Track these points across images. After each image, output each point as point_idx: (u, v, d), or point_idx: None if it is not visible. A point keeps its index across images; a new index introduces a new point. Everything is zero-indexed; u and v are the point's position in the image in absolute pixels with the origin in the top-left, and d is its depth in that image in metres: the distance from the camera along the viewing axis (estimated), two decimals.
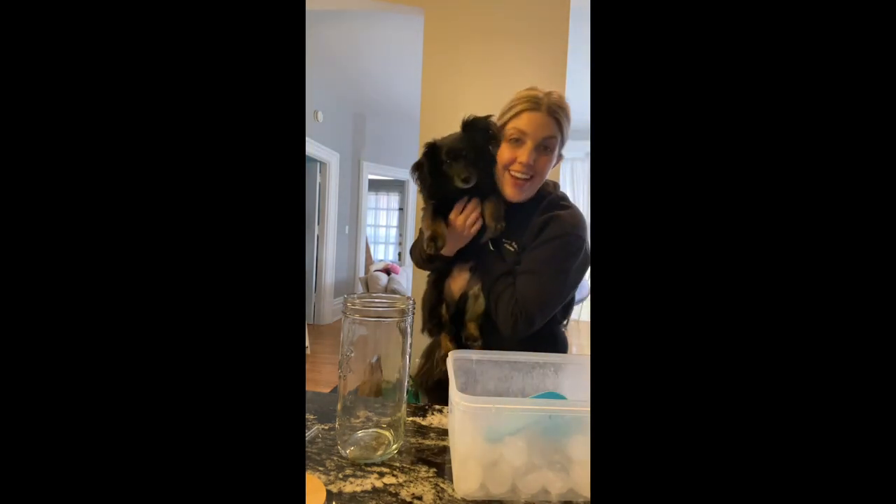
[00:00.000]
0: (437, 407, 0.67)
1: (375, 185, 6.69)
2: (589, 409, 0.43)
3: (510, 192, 0.80)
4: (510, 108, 0.81)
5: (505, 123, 0.81)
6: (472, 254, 0.81)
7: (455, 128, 0.82)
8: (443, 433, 0.58)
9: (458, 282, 0.83)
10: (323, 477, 0.46)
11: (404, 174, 5.07)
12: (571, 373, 0.63)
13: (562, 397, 0.57)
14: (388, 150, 4.92)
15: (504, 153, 0.80)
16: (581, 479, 0.45)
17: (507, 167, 0.80)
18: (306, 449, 0.52)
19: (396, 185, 6.71)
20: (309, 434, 0.55)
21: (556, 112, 0.79)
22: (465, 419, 0.44)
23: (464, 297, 0.82)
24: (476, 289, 0.81)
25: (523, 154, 0.78)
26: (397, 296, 0.53)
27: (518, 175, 0.79)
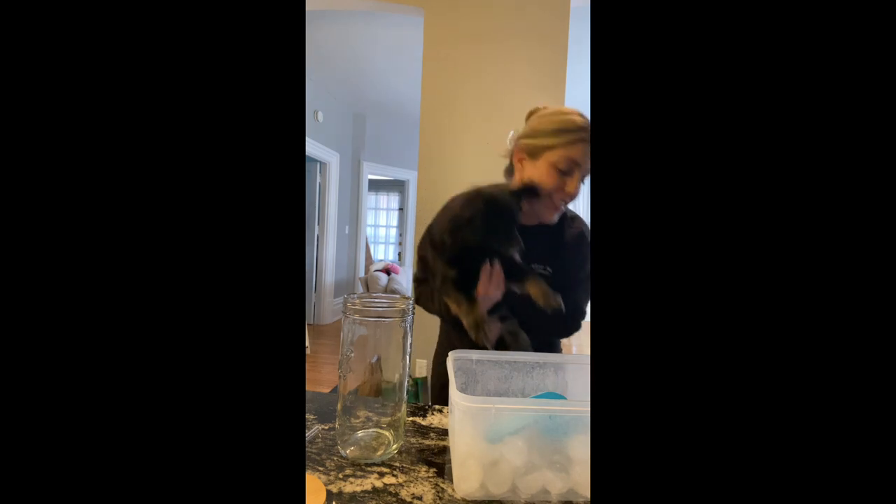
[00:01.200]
0: (437, 407, 0.67)
1: (375, 185, 6.70)
2: (589, 409, 0.43)
3: (548, 216, 0.80)
4: (561, 134, 0.76)
5: (551, 148, 0.77)
6: (498, 305, 0.76)
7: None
8: (443, 433, 0.58)
9: (494, 330, 0.77)
10: (323, 477, 0.46)
11: (404, 174, 5.07)
12: (571, 373, 0.63)
13: (562, 397, 0.57)
14: (388, 150, 4.92)
15: (547, 179, 0.76)
16: (581, 478, 0.45)
17: (550, 194, 0.77)
18: (306, 449, 0.52)
19: (396, 185, 6.71)
20: (309, 434, 0.55)
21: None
22: (464, 419, 0.44)
23: (501, 339, 0.77)
24: (513, 327, 0.78)
25: (573, 185, 0.76)
26: (397, 296, 0.54)
27: (562, 204, 0.78)
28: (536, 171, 0.78)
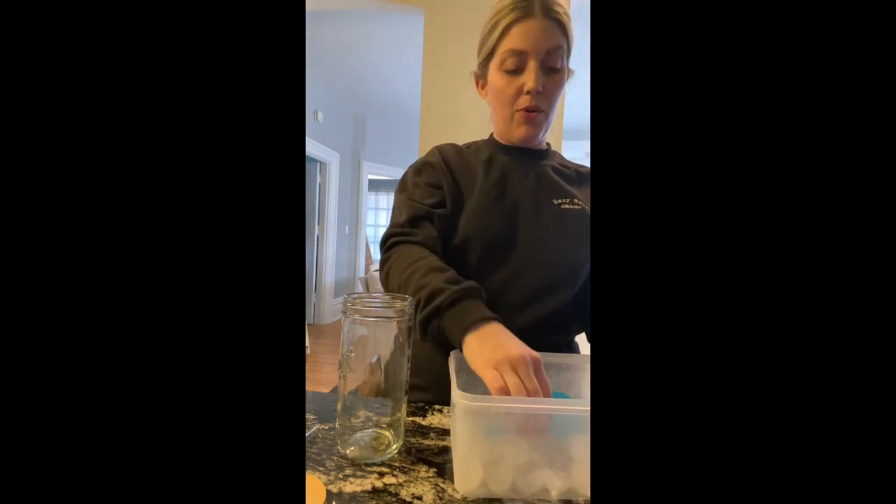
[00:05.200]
0: (437, 407, 0.67)
1: (375, 185, 6.70)
2: (589, 409, 0.43)
3: (523, 132, 0.65)
4: (493, 27, 0.62)
5: (492, 51, 0.63)
6: None
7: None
8: (442, 433, 0.58)
9: None
10: (323, 477, 0.46)
11: None
12: (573, 372, 0.63)
13: (566, 396, 0.57)
14: (388, 150, 4.92)
15: (502, 90, 0.63)
16: (582, 478, 0.45)
17: (512, 104, 0.64)
18: (306, 449, 0.51)
19: (396, 186, 6.70)
20: (309, 434, 0.55)
21: (553, 13, 0.60)
22: (465, 418, 0.45)
23: None
24: None
25: (530, 79, 0.60)
26: (398, 296, 0.53)
27: (530, 107, 0.62)
28: (492, 89, 0.66)
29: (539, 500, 0.45)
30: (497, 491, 0.45)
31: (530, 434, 0.44)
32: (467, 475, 0.45)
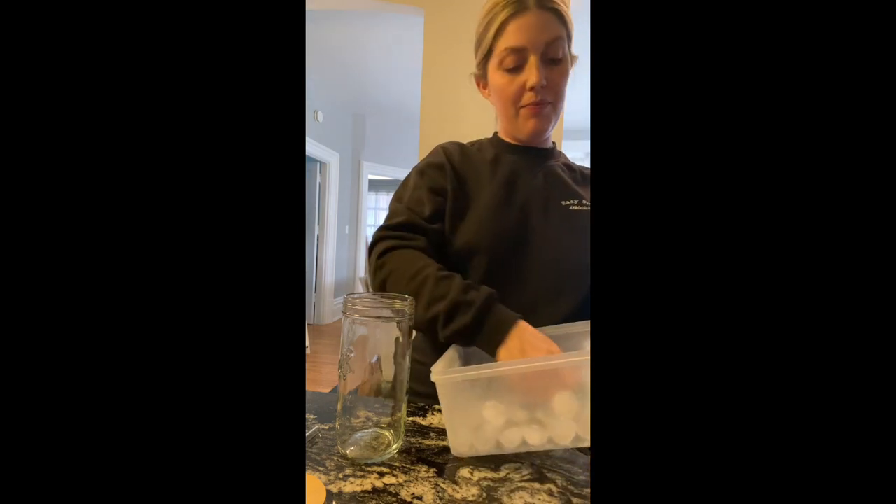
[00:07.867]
0: (437, 407, 0.67)
1: (375, 185, 6.70)
2: (549, 361, 0.47)
3: (531, 126, 0.64)
4: (488, 24, 0.61)
5: (489, 50, 0.63)
6: None
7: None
8: (442, 433, 0.58)
9: None
10: (323, 477, 0.46)
11: (404, 174, 5.06)
12: (577, 340, 0.62)
13: None
14: (388, 150, 4.92)
15: (503, 89, 0.62)
16: (559, 429, 0.49)
17: (515, 103, 0.63)
18: (306, 449, 0.52)
19: (396, 185, 6.70)
20: (309, 434, 0.55)
21: (549, 3, 0.59)
22: (442, 391, 0.49)
23: None
24: None
25: (532, 75, 0.59)
26: (397, 296, 0.53)
27: (535, 102, 0.61)
28: (494, 89, 0.64)
29: (522, 452, 0.48)
30: (483, 450, 0.50)
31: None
32: (456, 440, 0.50)
